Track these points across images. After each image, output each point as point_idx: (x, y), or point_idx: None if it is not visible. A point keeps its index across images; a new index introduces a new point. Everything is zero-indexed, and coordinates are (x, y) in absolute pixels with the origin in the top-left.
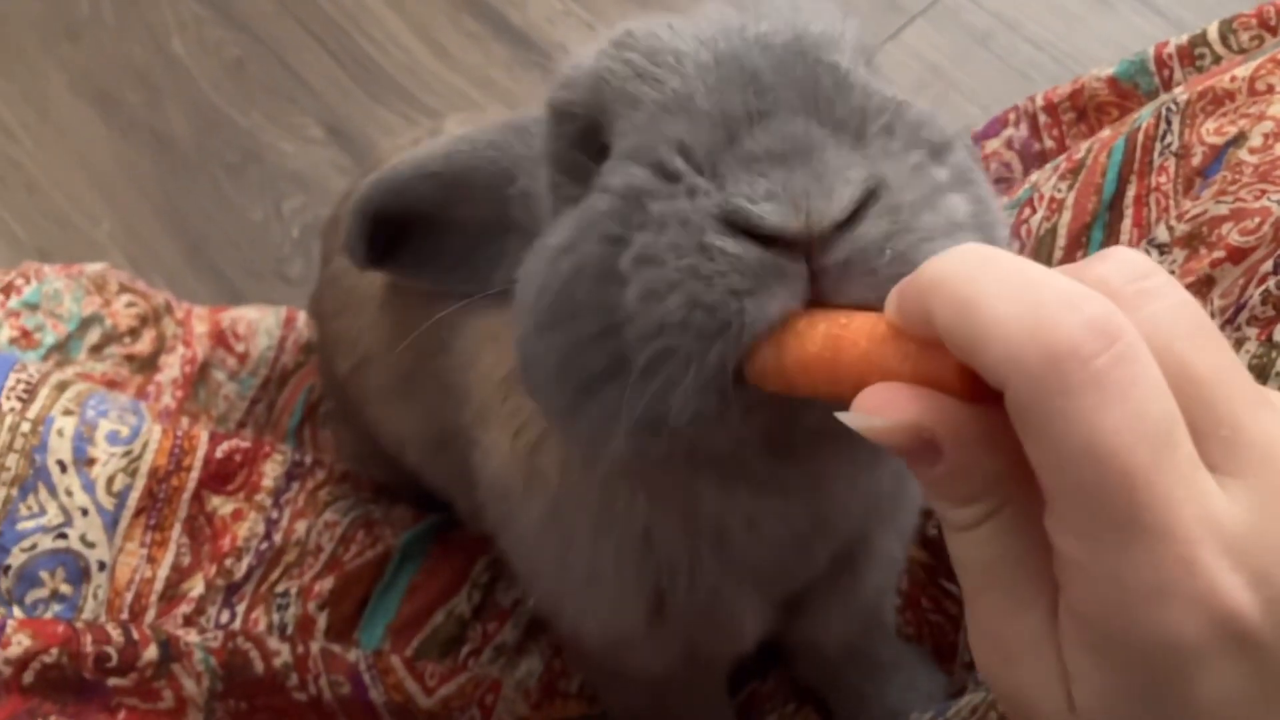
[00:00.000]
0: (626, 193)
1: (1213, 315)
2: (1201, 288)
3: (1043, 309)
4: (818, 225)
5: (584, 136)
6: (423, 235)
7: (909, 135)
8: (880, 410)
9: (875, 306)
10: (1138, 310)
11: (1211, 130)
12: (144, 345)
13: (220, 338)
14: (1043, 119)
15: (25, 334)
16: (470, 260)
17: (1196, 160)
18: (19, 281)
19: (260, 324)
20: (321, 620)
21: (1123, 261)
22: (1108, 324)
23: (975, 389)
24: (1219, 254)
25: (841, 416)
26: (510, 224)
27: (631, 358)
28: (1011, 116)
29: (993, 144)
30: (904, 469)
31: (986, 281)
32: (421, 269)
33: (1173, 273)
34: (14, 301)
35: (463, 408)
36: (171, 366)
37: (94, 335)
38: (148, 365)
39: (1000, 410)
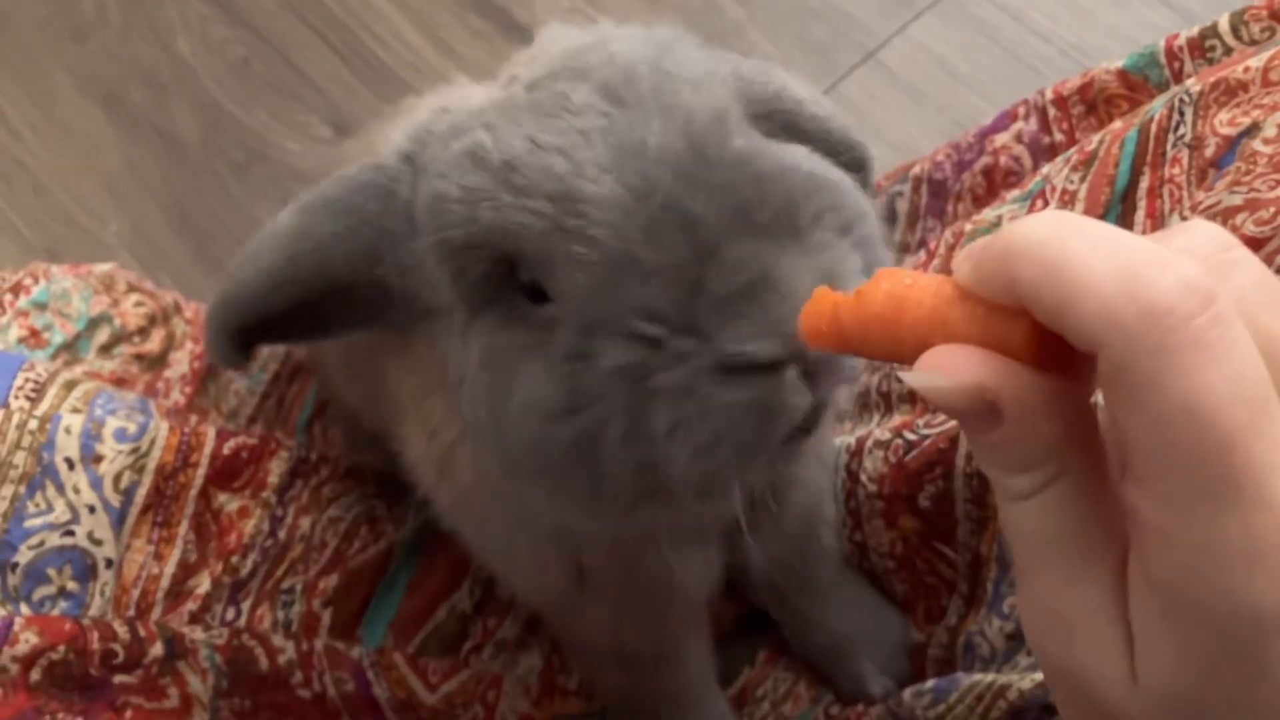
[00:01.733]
0: (619, 372)
1: None
2: None
3: (1138, 268)
4: (796, 347)
5: (494, 270)
6: (291, 320)
7: (835, 218)
8: (945, 370)
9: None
10: (1224, 280)
11: (1225, 121)
12: (153, 344)
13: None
14: (1052, 112)
15: (34, 333)
16: (346, 325)
17: (1210, 151)
18: (27, 281)
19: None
20: (326, 617)
21: (1206, 233)
22: (1204, 285)
23: (1043, 355)
24: None
25: (904, 376)
26: (385, 285)
27: (675, 490)
28: (1020, 110)
29: (1002, 138)
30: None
31: (1077, 243)
32: (296, 341)
33: None
34: (23, 301)
35: (382, 398)
36: (180, 363)
37: (103, 335)
38: (157, 363)
39: (1063, 379)
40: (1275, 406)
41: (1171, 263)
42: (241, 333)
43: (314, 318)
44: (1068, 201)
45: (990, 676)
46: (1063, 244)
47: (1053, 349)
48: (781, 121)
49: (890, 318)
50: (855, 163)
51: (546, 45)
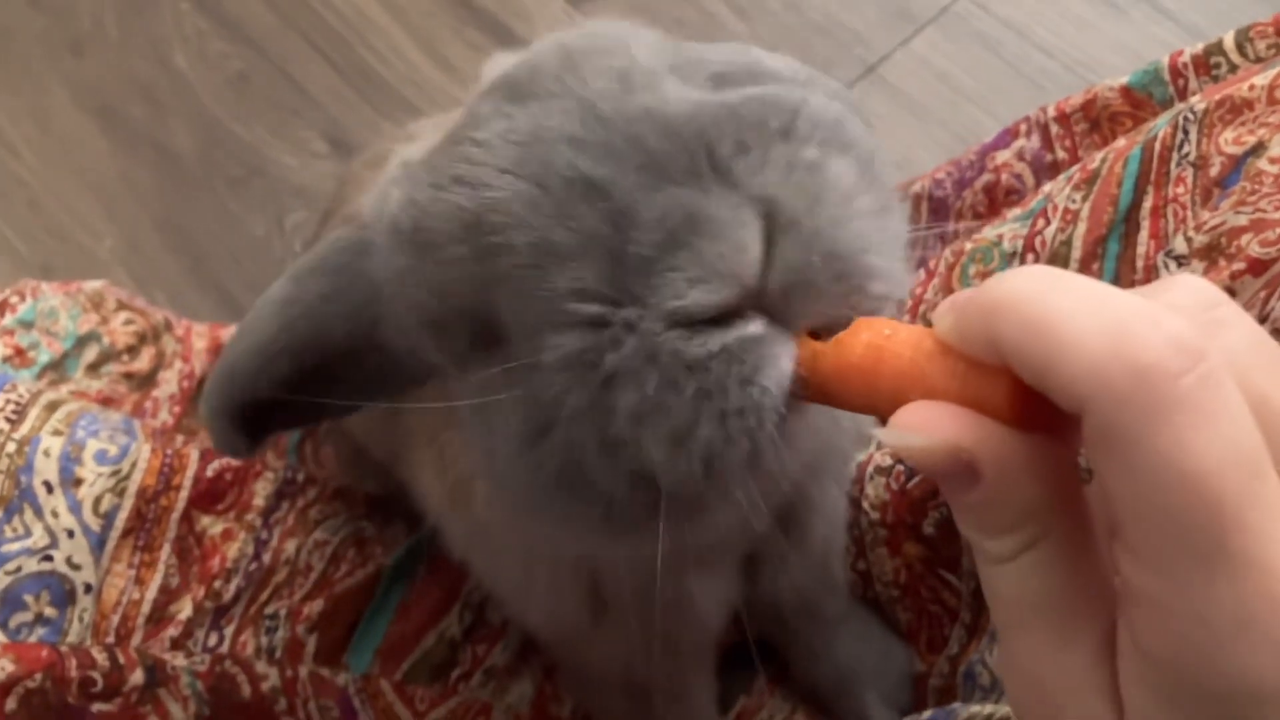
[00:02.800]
0: (568, 364)
1: None
2: None
3: (1126, 325)
4: (750, 279)
5: (466, 327)
6: (295, 401)
7: (758, 137)
8: (920, 428)
9: (836, 321)
10: (1212, 339)
11: (1230, 140)
12: (142, 363)
13: (220, 353)
14: (1055, 129)
15: (19, 352)
16: (354, 394)
17: (1215, 170)
18: (14, 299)
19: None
20: (311, 643)
21: (1192, 289)
22: (1194, 342)
23: (1024, 415)
24: (1239, 266)
25: (877, 433)
26: (386, 347)
27: (676, 493)
28: (1023, 127)
29: (1003, 155)
30: (828, 426)
31: (1060, 299)
32: (308, 422)
33: None
34: (8, 319)
35: (393, 429)
36: (170, 382)
37: (91, 353)
38: (146, 382)
39: (1044, 439)
40: (1268, 470)
41: (1161, 320)
42: (243, 413)
43: (323, 392)
44: (1070, 220)
45: (989, 708)
46: (1046, 300)
47: (1035, 408)
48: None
49: (868, 369)
50: None
51: (487, 74)
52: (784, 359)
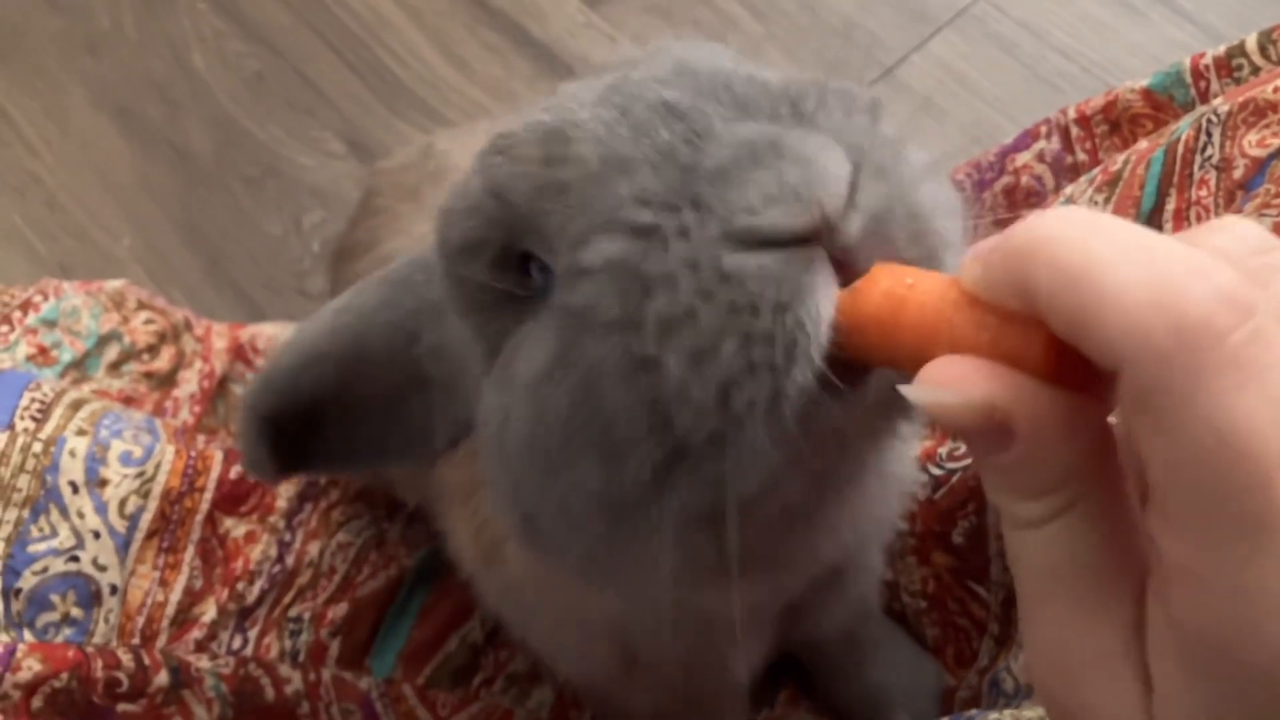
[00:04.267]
0: (609, 268)
1: None
2: None
3: (1170, 276)
4: (832, 211)
5: (498, 263)
6: (332, 423)
7: (842, 103)
8: (952, 384)
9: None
10: (1265, 287)
11: (1254, 142)
12: (163, 362)
13: (239, 352)
14: (1075, 131)
15: (42, 351)
16: (392, 435)
17: (1238, 173)
18: (37, 298)
19: (280, 339)
20: (334, 647)
21: (1242, 233)
22: (1242, 296)
23: (1058, 370)
24: None
25: (905, 390)
26: (426, 381)
27: (692, 442)
28: (1043, 129)
29: (1023, 157)
30: (885, 495)
31: (1101, 246)
32: (341, 461)
33: None
34: (32, 318)
35: (428, 483)
36: (190, 382)
37: (112, 352)
38: (166, 382)
39: (1080, 396)
40: None
41: (1208, 270)
42: (276, 423)
43: (350, 419)
44: None
45: (1009, 715)
46: (1086, 246)
47: (1070, 363)
48: None
49: (887, 319)
50: None
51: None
52: (826, 300)
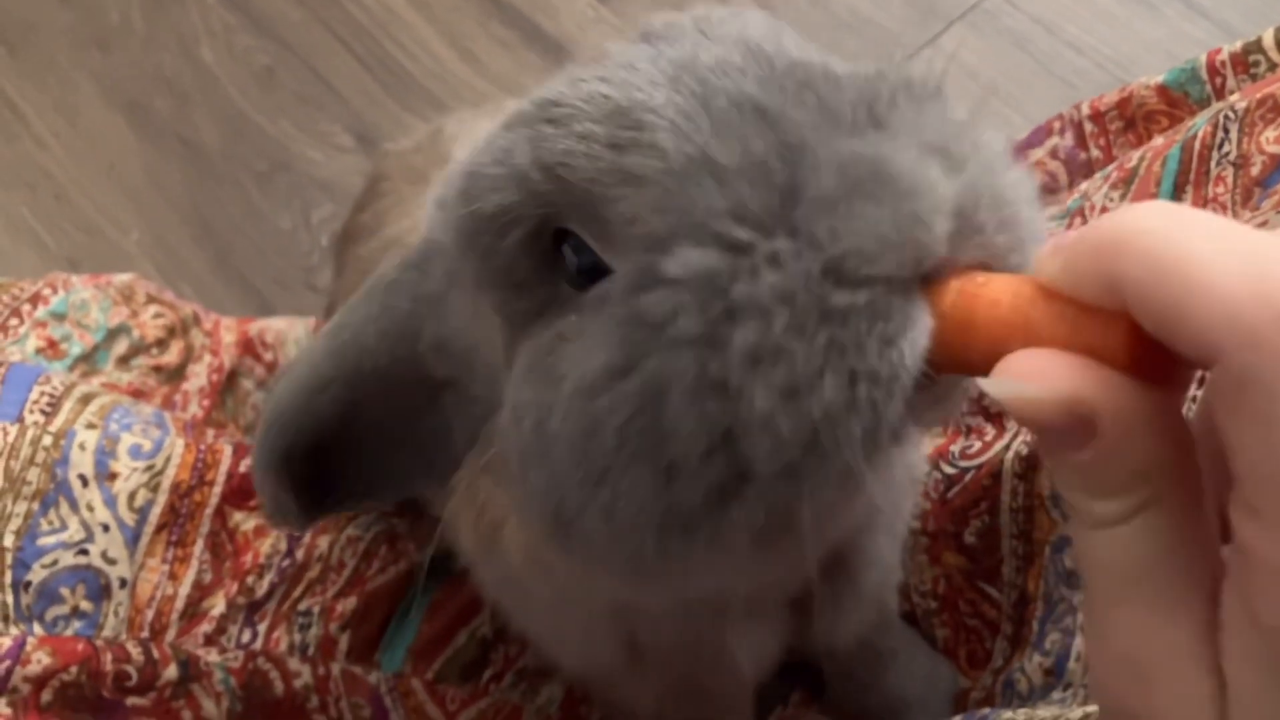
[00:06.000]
0: (694, 282)
1: None
2: None
3: (1268, 265)
4: (931, 258)
5: (531, 240)
6: (349, 454)
7: (912, 98)
8: (1034, 378)
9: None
10: None
11: (1272, 139)
12: (171, 356)
13: (248, 346)
14: (1089, 128)
15: (52, 344)
16: (410, 452)
17: (1256, 170)
18: (46, 291)
19: (289, 334)
20: (343, 641)
21: None
22: None
23: (1141, 363)
24: None
25: (986, 384)
26: (435, 383)
27: (761, 470)
28: (1056, 125)
29: (1037, 153)
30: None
31: (1195, 237)
32: (366, 492)
33: None
34: (41, 311)
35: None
36: (199, 375)
37: (121, 346)
38: (175, 376)
39: (1161, 390)
40: None
41: None
42: (290, 465)
43: (370, 443)
44: None
45: (1023, 715)
46: (1177, 238)
47: (1152, 356)
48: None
49: (961, 319)
50: None
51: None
52: (924, 329)
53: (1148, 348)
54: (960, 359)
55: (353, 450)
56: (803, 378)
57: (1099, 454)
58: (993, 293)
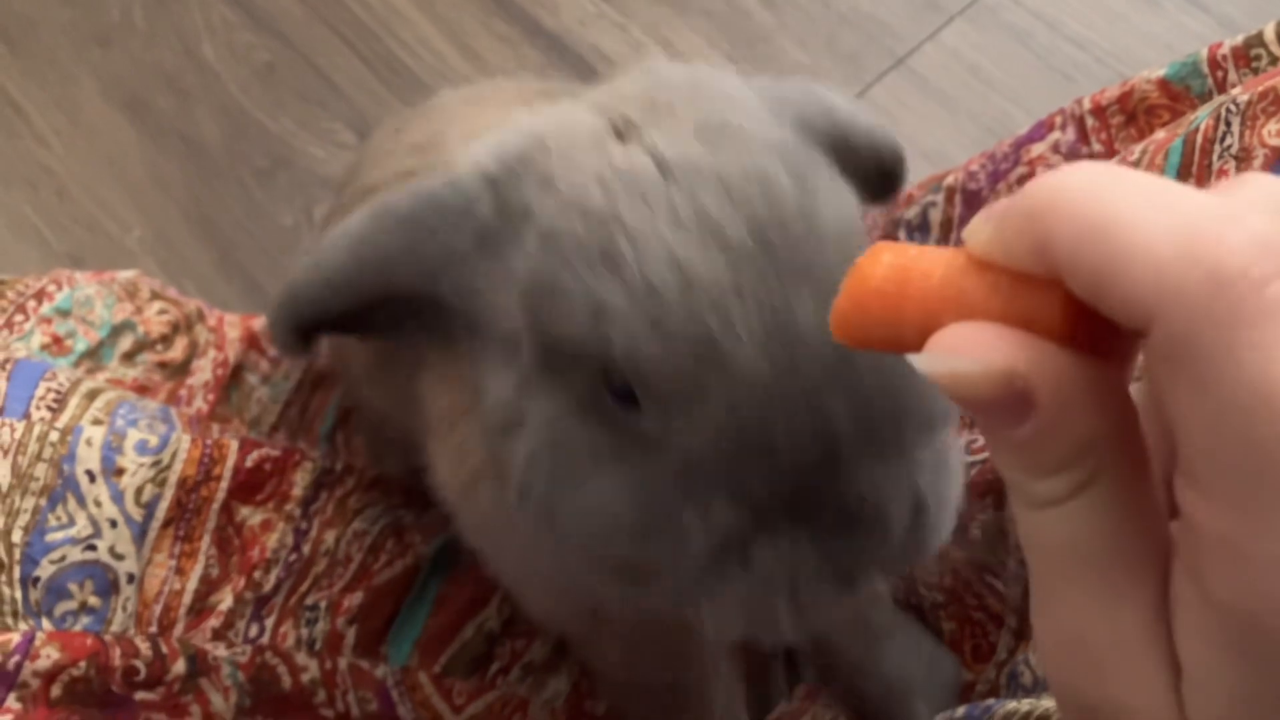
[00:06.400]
0: (717, 532)
1: None
2: None
3: (1201, 224)
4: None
5: (599, 376)
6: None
7: (929, 435)
8: (967, 351)
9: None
10: None
11: (1274, 132)
12: (176, 352)
13: (253, 341)
14: (1090, 122)
15: (57, 340)
16: (408, 322)
17: (1258, 163)
18: (50, 288)
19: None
20: (350, 635)
21: (1267, 188)
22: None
23: (1077, 333)
24: None
25: (916, 360)
26: (444, 301)
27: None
28: (1057, 120)
29: (1038, 148)
30: None
31: (1125, 196)
32: (360, 332)
33: None
34: (46, 308)
35: (415, 413)
36: (203, 370)
37: (126, 342)
38: (180, 371)
39: (1100, 361)
40: None
41: (1241, 217)
42: (303, 326)
43: (371, 316)
44: None
45: (1027, 704)
46: (1106, 198)
47: (1089, 325)
48: (832, 142)
49: (893, 292)
50: (892, 175)
51: (659, 91)
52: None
53: (1085, 317)
54: (895, 335)
55: (353, 313)
56: (768, 622)
57: (1037, 429)
58: (925, 265)
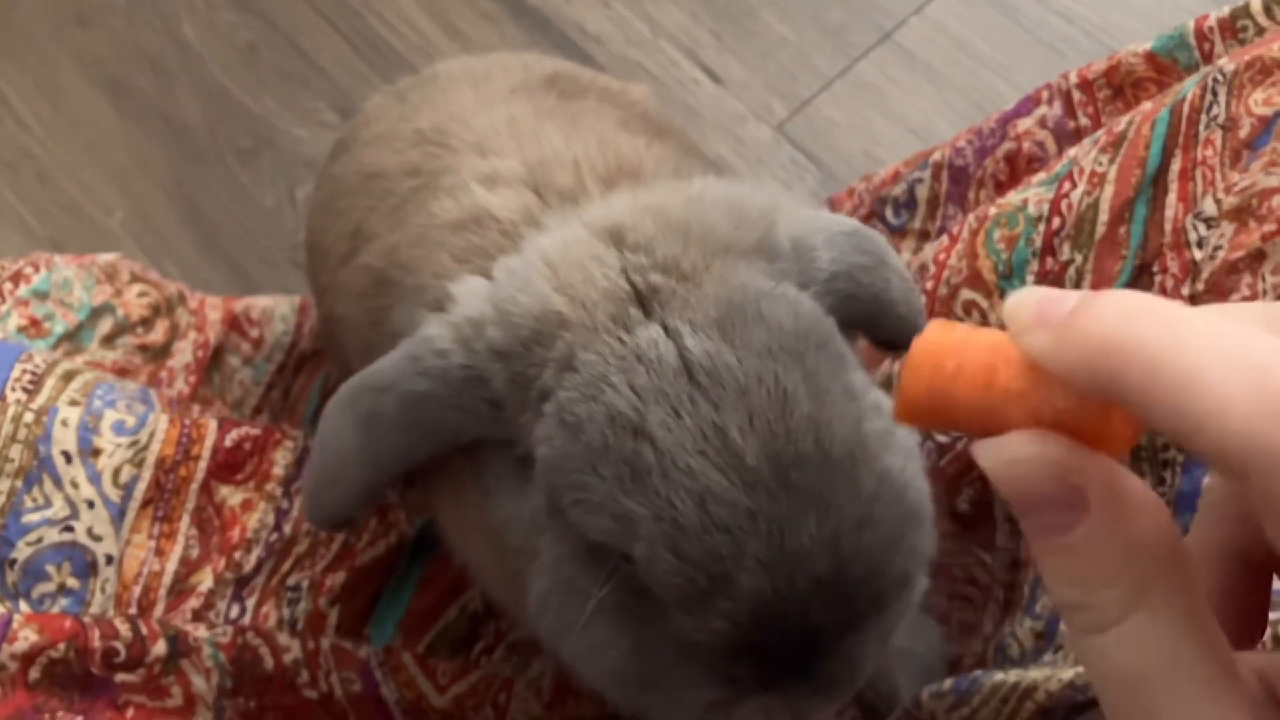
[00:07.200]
0: (706, 705)
1: (1264, 293)
2: (1252, 263)
3: (1275, 378)
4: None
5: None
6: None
7: (907, 591)
8: (1023, 445)
9: None
10: None
11: (1260, 101)
12: (157, 335)
13: (234, 323)
14: (1077, 96)
15: (34, 323)
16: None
17: (1244, 132)
18: (28, 270)
19: (275, 311)
20: (332, 616)
21: None
22: None
23: (1126, 447)
24: (1270, 227)
25: (976, 451)
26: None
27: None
28: (1044, 94)
29: (1025, 123)
30: None
31: (1198, 350)
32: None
33: (1220, 248)
34: (23, 290)
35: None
36: (184, 352)
37: (105, 325)
38: (160, 354)
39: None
40: None
41: None
42: (338, 523)
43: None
44: (1096, 184)
45: (1014, 676)
46: (1183, 347)
47: (1133, 437)
48: (860, 308)
49: (949, 389)
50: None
51: (685, 245)
52: None
53: (1133, 434)
54: (950, 423)
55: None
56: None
57: (1089, 531)
58: (980, 355)
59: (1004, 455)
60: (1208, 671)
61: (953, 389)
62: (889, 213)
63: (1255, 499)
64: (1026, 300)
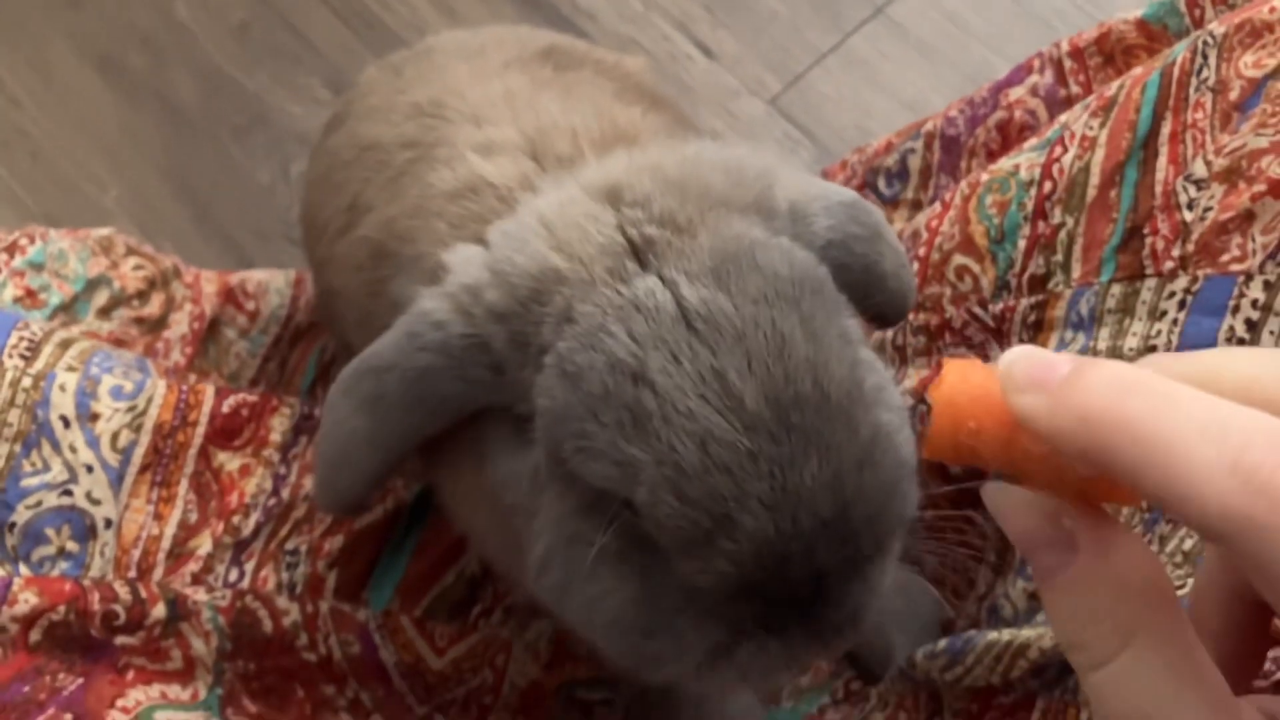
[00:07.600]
0: (707, 645)
1: (1254, 253)
2: (1241, 223)
3: (1256, 456)
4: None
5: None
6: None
7: (902, 529)
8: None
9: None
10: None
11: (1250, 63)
12: (153, 308)
13: (230, 295)
14: (1068, 64)
15: (30, 294)
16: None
17: (1234, 94)
18: (23, 241)
19: (270, 284)
20: (331, 579)
21: None
22: None
23: (1112, 500)
24: (1259, 188)
25: (986, 493)
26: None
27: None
28: (1036, 63)
29: (1017, 91)
30: None
31: (1181, 427)
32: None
33: (1210, 209)
34: (18, 261)
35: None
36: (180, 324)
37: (101, 297)
38: (157, 327)
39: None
40: None
41: None
42: (352, 505)
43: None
44: (1088, 147)
45: (1008, 635)
46: (1166, 425)
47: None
48: (854, 277)
49: (973, 445)
50: (898, 316)
51: (682, 199)
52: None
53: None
54: (974, 461)
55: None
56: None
57: (1080, 570)
58: (994, 430)
59: (1007, 500)
60: (1203, 712)
61: (976, 445)
62: (881, 183)
63: (1241, 563)
64: (1019, 361)
